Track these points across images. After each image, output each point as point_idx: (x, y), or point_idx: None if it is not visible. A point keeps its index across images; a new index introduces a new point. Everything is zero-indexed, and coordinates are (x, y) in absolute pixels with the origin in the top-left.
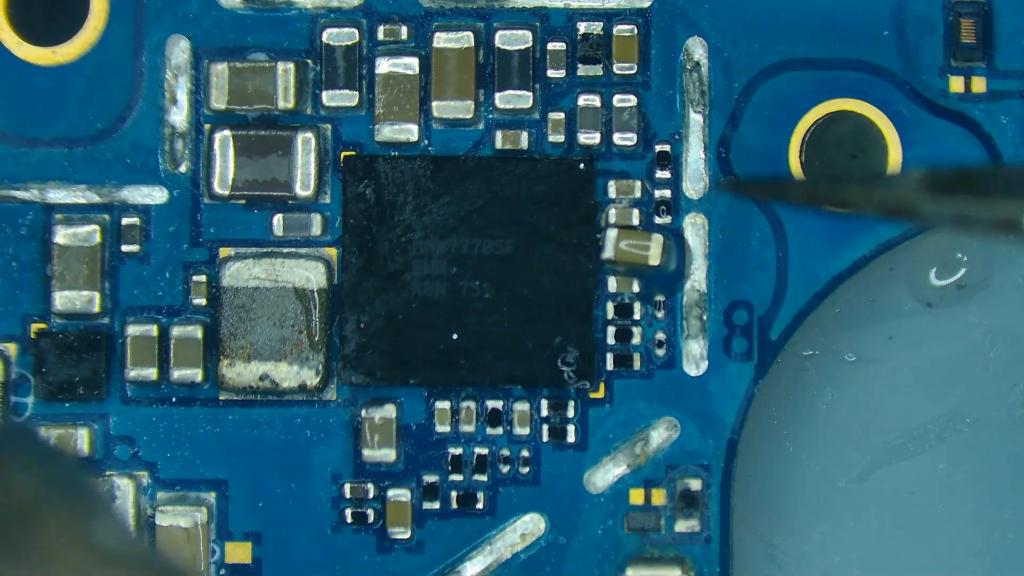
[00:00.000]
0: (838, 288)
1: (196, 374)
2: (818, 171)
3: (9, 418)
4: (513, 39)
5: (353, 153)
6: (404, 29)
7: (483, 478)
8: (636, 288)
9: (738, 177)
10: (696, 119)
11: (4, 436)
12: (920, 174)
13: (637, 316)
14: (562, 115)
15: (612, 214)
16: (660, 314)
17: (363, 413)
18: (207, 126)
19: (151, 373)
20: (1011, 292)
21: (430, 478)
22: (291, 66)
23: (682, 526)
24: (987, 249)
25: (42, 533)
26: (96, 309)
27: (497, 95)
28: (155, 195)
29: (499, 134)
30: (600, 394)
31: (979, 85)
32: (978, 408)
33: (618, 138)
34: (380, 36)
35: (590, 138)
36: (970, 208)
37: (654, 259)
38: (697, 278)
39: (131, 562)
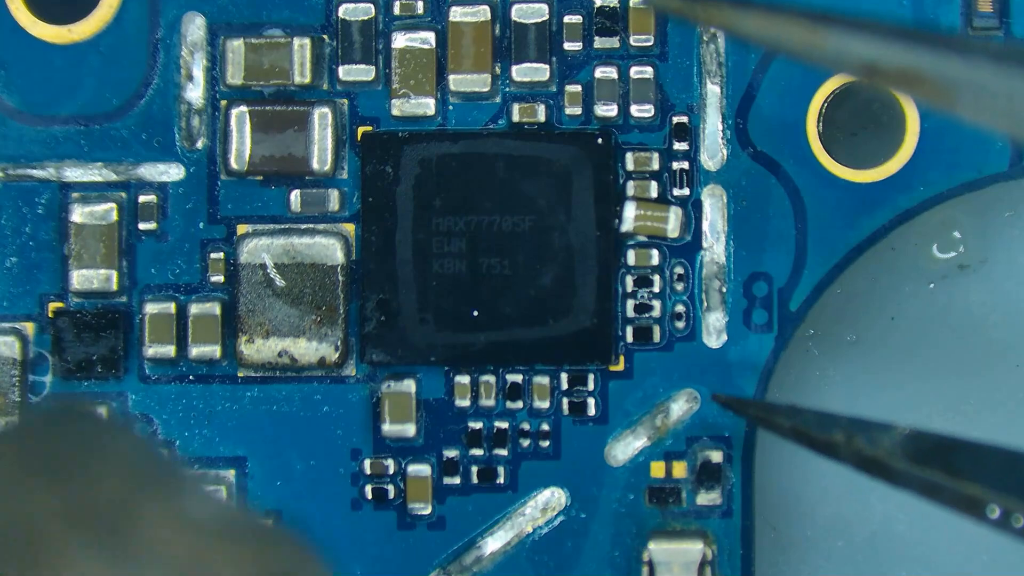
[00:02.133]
0: (859, 259)
1: (214, 351)
2: (806, 417)
3: (64, 402)
4: (529, 12)
5: (370, 129)
6: (420, 3)
7: (503, 452)
8: (655, 261)
9: (731, 397)
10: (713, 90)
11: (64, 423)
12: (903, 434)
13: (656, 289)
14: (579, 88)
15: (630, 187)
16: (679, 287)
17: (382, 388)
18: (223, 102)
19: (169, 351)
20: (1012, 272)
21: (450, 453)
22: (307, 41)
23: (703, 499)
24: (985, 230)
25: (142, 524)
26: (114, 287)
27: (514, 68)
28: (172, 172)
29: (516, 107)
30: (620, 367)
31: None
32: (981, 389)
33: (635, 110)
34: (396, 11)
35: (607, 110)
36: (942, 480)
37: (672, 231)
38: (716, 250)
39: (230, 532)
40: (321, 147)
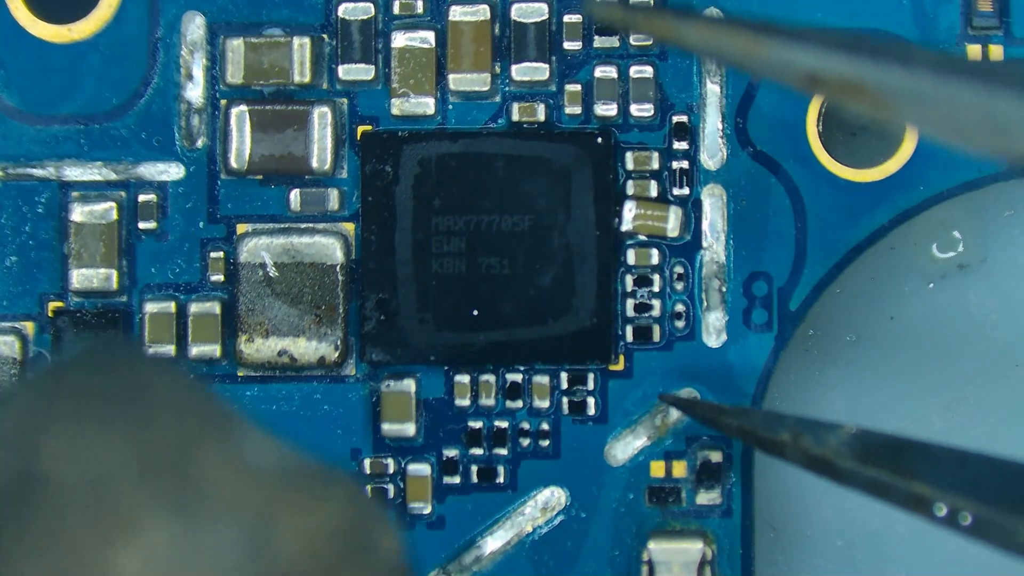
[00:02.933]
0: (858, 258)
1: (214, 350)
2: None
3: (98, 341)
4: (529, 11)
5: (370, 128)
6: (420, 3)
7: (503, 452)
8: (655, 260)
9: (678, 398)
10: (713, 90)
11: (106, 361)
12: (850, 433)
13: (656, 288)
14: (579, 87)
15: (630, 186)
16: (679, 286)
17: (382, 388)
18: (223, 101)
19: (169, 350)
20: (1012, 272)
21: (450, 452)
22: (307, 41)
23: (703, 498)
24: (984, 229)
25: (205, 472)
26: (113, 287)
27: (513, 68)
28: (171, 171)
29: (516, 106)
30: (620, 367)
31: (996, 53)
32: (980, 389)
33: (635, 109)
34: (396, 10)
35: (607, 110)
36: (889, 479)
37: (672, 231)
38: (716, 250)
39: (294, 480)
40: (321, 146)
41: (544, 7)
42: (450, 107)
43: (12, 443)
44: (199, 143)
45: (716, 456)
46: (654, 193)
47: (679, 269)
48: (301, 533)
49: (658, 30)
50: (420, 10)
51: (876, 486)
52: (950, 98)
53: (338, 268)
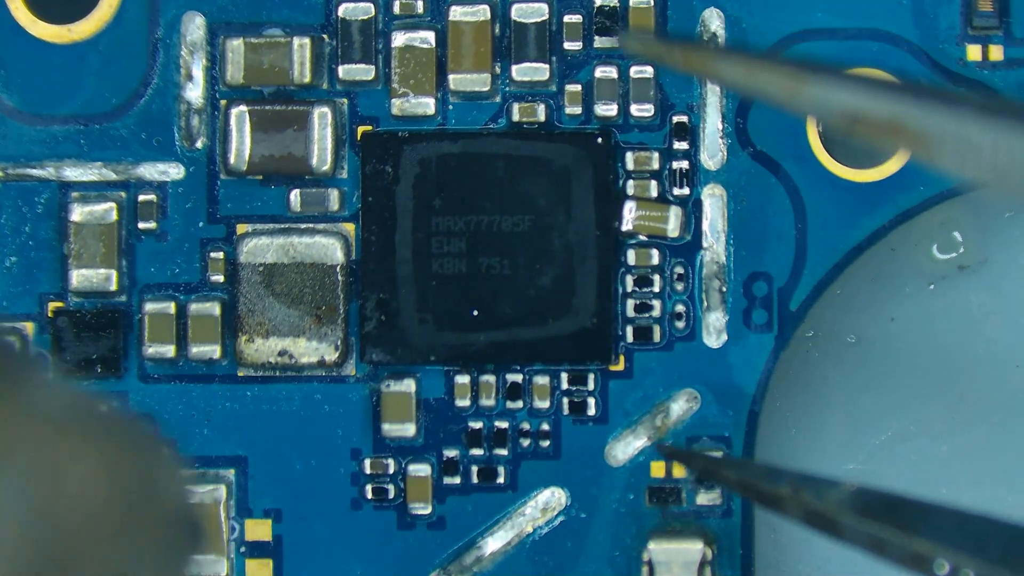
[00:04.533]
0: (859, 259)
1: (214, 350)
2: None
3: None
4: (529, 12)
5: (370, 128)
6: (420, 3)
7: (503, 452)
8: (655, 260)
9: (677, 449)
10: (714, 89)
11: None
12: (851, 490)
13: (656, 288)
14: (579, 87)
15: (630, 186)
16: (679, 286)
17: (382, 388)
18: (223, 102)
19: (169, 350)
20: (1011, 272)
21: (450, 453)
22: (307, 41)
23: (703, 499)
24: (985, 229)
25: None
26: (113, 287)
27: (514, 68)
28: (171, 172)
29: (516, 107)
30: (620, 367)
31: (996, 53)
32: (980, 390)
33: (635, 110)
34: (396, 10)
35: (607, 110)
36: (890, 536)
37: (672, 231)
38: (716, 250)
39: (80, 425)
40: (321, 146)
41: (544, 7)
42: (450, 107)
43: None
44: (199, 143)
45: (716, 456)
46: (654, 193)
47: (679, 269)
48: (81, 477)
49: (695, 65)
50: (420, 10)
51: (876, 543)
52: (994, 141)
53: (338, 268)
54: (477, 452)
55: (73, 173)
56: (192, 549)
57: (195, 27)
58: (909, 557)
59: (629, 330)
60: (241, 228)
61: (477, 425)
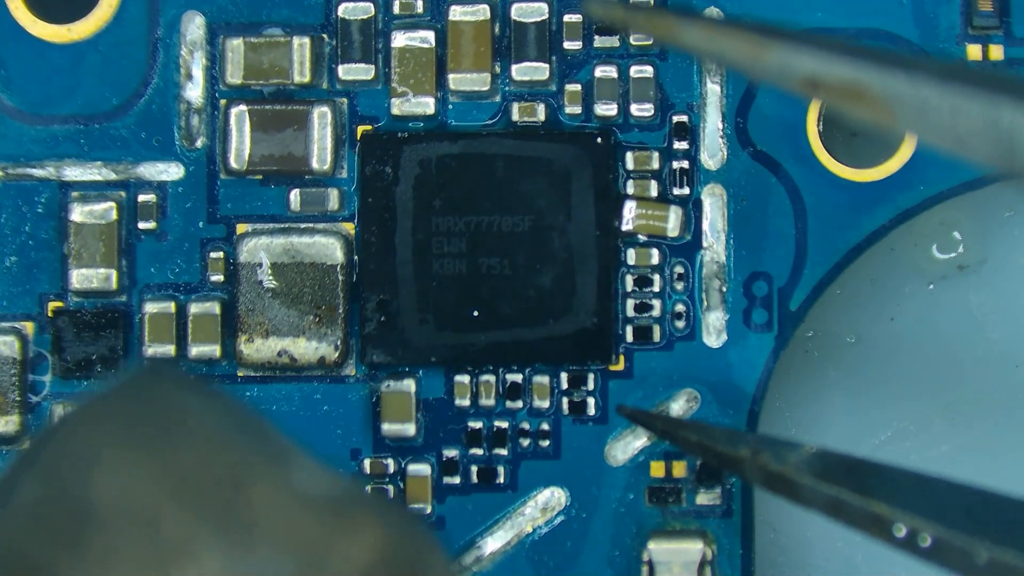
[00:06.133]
0: (859, 259)
1: (214, 350)
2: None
3: (158, 364)
4: (529, 11)
5: (370, 128)
6: (420, 2)
7: (503, 452)
8: (655, 260)
9: (636, 410)
10: (713, 89)
11: (147, 388)
12: (810, 452)
13: (656, 288)
14: (579, 87)
15: (630, 186)
16: (679, 286)
17: (382, 388)
18: (223, 101)
19: (169, 350)
20: (1011, 272)
21: (450, 453)
22: (307, 40)
23: (703, 499)
24: (984, 230)
25: (255, 499)
26: (113, 287)
27: (514, 67)
28: (171, 171)
29: (516, 106)
30: (620, 367)
31: (996, 53)
32: (980, 390)
33: (635, 109)
34: (396, 10)
35: (607, 109)
36: (848, 498)
37: (672, 231)
38: (716, 250)
39: (341, 503)
40: (321, 146)
41: (544, 7)
42: (450, 107)
43: (63, 474)
44: (199, 143)
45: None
46: (654, 193)
47: (679, 269)
48: (352, 561)
49: (657, 30)
50: (420, 10)
51: (834, 505)
52: (953, 106)
53: (338, 268)
54: (477, 452)
55: (73, 173)
56: None
57: (195, 27)
58: (867, 520)
59: (629, 330)
60: (241, 228)
61: (477, 425)
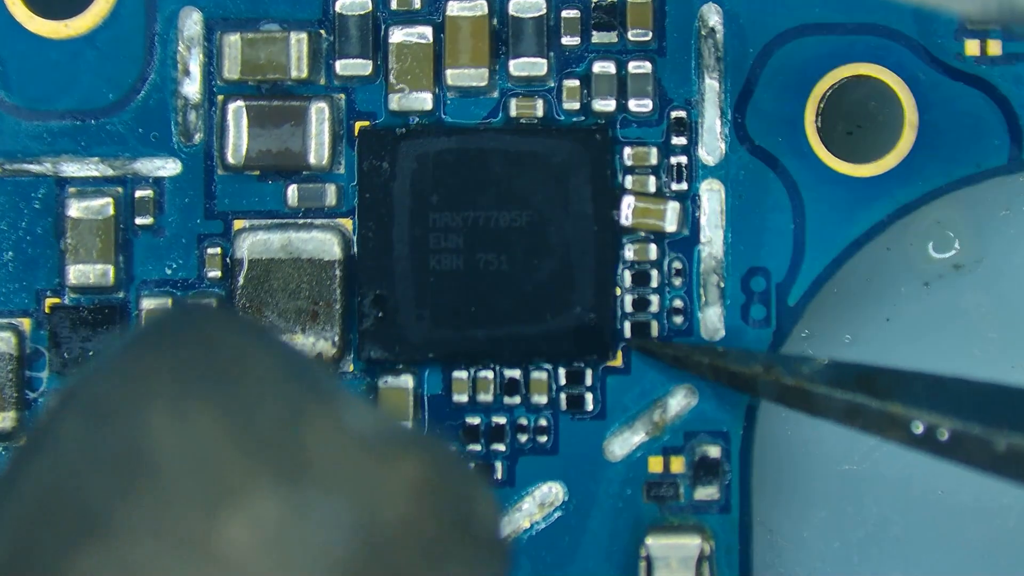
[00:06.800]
0: (855, 257)
1: None
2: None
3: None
4: (527, 6)
5: (368, 124)
6: None
7: (501, 448)
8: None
9: (647, 341)
10: (712, 85)
11: (220, 326)
12: (823, 364)
13: (654, 284)
14: (577, 82)
15: (628, 181)
16: (677, 281)
17: (380, 384)
18: (220, 97)
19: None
20: (1007, 271)
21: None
22: (304, 36)
23: (701, 494)
24: (980, 229)
25: (310, 440)
26: (110, 282)
27: (511, 63)
28: (168, 167)
29: (514, 102)
30: (618, 362)
31: (995, 48)
32: None
33: (633, 105)
34: (393, 5)
35: (605, 105)
36: (864, 401)
37: (670, 226)
38: (714, 245)
39: (390, 441)
40: (318, 142)
41: (542, 2)
42: (448, 102)
43: (114, 414)
44: (196, 139)
45: (714, 451)
46: (652, 188)
47: (677, 264)
48: (401, 495)
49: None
50: (418, 5)
51: (851, 410)
52: None
53: (336, 264)
54: (475, 448)
55: (70, 169)
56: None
57: (192, 22)
58: (885, 421)
59: (627, 325)
60: (238, 223)
61: (475, 421)
